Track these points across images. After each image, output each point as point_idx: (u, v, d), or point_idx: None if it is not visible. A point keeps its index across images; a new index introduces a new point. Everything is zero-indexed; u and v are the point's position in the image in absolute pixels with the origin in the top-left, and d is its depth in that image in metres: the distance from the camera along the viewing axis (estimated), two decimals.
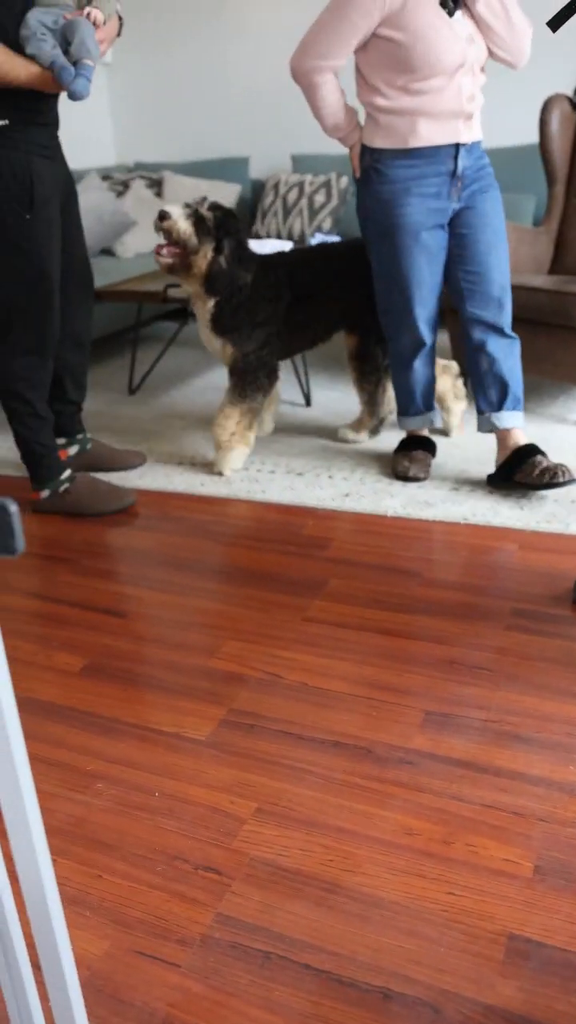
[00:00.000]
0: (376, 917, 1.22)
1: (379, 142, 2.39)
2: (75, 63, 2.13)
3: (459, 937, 1.19)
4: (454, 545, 2.28)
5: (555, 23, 1.88)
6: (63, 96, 1.87)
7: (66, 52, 2.14)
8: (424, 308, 2.55)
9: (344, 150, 5.28)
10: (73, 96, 2.11)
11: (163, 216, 2.52)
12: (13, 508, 0.54)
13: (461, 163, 2.39)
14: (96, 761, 1.54)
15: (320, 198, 4.92)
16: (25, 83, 2.14)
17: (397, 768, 1.50)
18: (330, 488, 2.68)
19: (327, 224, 4.90)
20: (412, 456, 2.73)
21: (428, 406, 2.76)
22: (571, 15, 1.85)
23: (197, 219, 2.55)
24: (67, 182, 2.48)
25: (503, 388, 2.53)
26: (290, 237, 4.96)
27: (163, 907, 1.24)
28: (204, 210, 2.57)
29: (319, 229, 4.90)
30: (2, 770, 0.57)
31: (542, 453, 2.48)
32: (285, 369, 3.95)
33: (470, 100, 2.34)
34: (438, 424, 2.85)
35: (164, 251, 2.57)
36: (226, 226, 2.59)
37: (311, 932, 1.20)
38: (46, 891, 0.61)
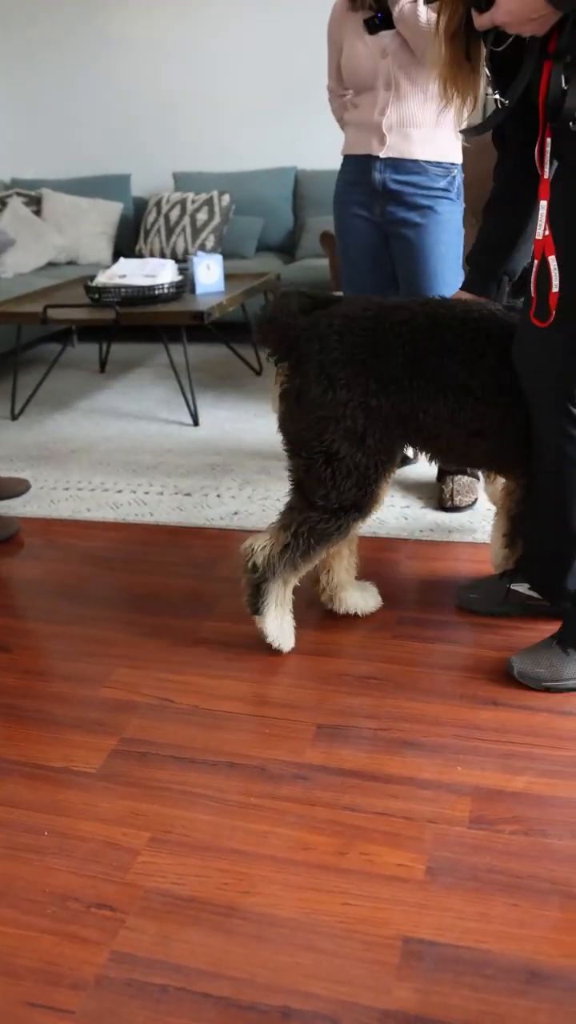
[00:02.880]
0: (273, 936, 1.22)
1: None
2: None
3: (355, 946, 1.19)
4: None
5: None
6: None
7: None
8: None
9: (226, 168, 5.30)
10: None
11: None
12: None
13: (377, 176, 2.46)
14: None
15: (203, 216, 4.93)
16: None
17: (291, 784, 1.50)
18: (219, 507, 2.67)
19: (210, 242, 4.91)
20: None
21: None
22: None
23: None
24: None
25: None
26: (174, 256, 4.94)
27: (54, 951, 1.21)
28: None
29: (202, 247, 4.90)
30: None
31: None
32: (173, 391, 3.95)
33: (380, 113, 2.42)
34: None
35: None
36: None
37: (208, 959, 1.18)
38: None
